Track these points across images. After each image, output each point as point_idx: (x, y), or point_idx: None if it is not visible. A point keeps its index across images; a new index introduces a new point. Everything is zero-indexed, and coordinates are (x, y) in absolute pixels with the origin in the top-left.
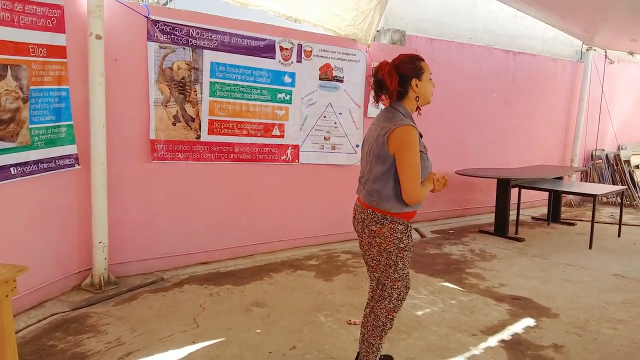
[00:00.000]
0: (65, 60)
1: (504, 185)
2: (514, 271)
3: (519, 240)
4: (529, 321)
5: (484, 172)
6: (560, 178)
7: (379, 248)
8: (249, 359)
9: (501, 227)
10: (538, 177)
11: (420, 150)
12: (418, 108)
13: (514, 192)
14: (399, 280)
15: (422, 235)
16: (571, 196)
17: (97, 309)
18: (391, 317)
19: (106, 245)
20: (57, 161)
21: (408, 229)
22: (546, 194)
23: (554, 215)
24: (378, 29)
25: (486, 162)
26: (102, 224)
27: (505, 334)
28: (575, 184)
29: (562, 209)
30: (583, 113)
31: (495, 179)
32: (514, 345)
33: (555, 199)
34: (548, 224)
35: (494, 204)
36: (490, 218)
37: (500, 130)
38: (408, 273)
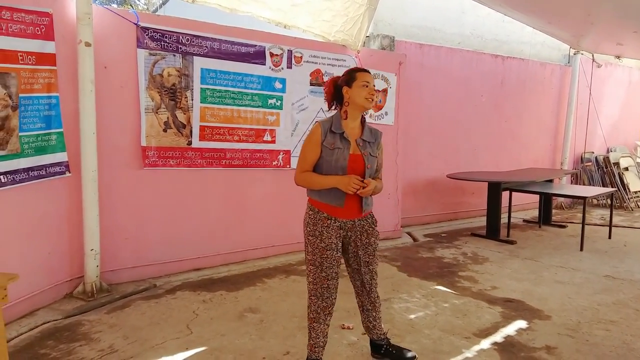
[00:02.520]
0: (54, 67)
1: (494, 189)
2: (506, 274)
3: (511, 242)
4: (521, 323)
5: (474, 175)
6: (551, 181)
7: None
8: None
9: (493, 230)
10: (528, 180)
11: (325, 145)
12: (345, 111)
13: (505, 195)
14: (311, 264)
15: (414, 239)
16: (562, 199)
17: (89, 317)
18: (311, 299)
19: (98, 253)
20: (47, 169)
21: (317, 217)
22: (537, 196)
23: (545, 217)
24: (367, 35)
25: (477, 166)
26: (93, 232)
27: (498, 337)
28: (565, 187)
29: (553, 211)
30: (572, 116)
31: (486, 183)
32: (506, 347)
33: (546, 201)
34: (539, 227)
35: (486, 207)
36: (481, 221)
37: (490, 134)
38: (324, 265)
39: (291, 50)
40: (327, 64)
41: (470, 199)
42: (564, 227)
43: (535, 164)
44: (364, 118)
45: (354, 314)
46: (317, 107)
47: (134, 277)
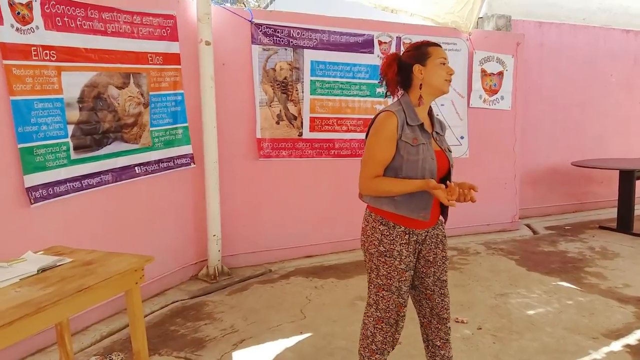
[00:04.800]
0: (179, 66)
1: (627, 177)
2: None
3: None
4: None
5: (603, 163)
6: None
7: (363, 247)
8: (355, 351)
9: (625, 223)
10: None
11: (404, 141)
12: (420, 97)
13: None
14: (384, 289)
15: (534, 232)
16: None
17: (212, 298)
18: (380, 327)
19: (219, 238)
20: (175, 160)
21: (394, 232)
22: None
23: None
24: (481, 16)
25: (606, 153)
26: (215, 219)
27: (631, 338)
28: None
29: None
30: None
31: (617, 170)
32: None
33: None
34: None
35: (616, 198)
36: (611, 213)
37: (622, 118)
38: (402, 289)
39: (400, 37)
40: None
41: (598, 188)
42: None
43: None
44: (431, 107)
45: (467, 308)
46: None
47: (251, 262)
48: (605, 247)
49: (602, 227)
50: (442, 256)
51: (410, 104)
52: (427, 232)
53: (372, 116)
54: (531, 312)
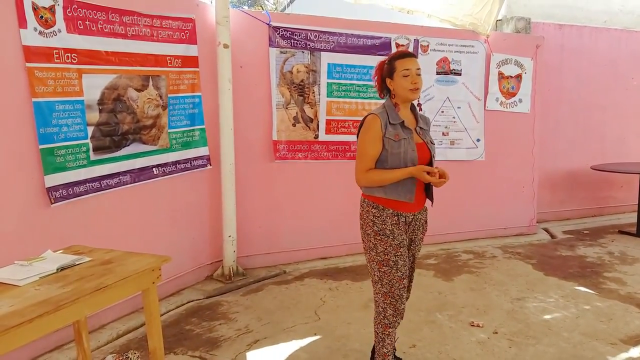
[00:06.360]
0: (197, 69)
1: None
2: None
3: None
4: None
5: (624, 167)
6: None
7: (361, 230)
8: (370, 354)
9: None
10: None
11: (388, 138)
12: (396, 103)
13: None
14: (383, 265)
15: (552, 236)
16: None
17: (227, 298)
18: (388, 301)
19: (235, 239)
20: (192, 162)
21: (384, 214)
22: None
23: None
24: (500, 19)
25: (626, 156)
26: (231, 219)
27: None
28: None
29: None
30: None
31: (638, 175)
32: None
33: None
34: None
35: (636, 202)
36: (632, 218)
37: None
38: (399, 263)
39: (417, 40)
40: (455, 51)
41: (618, 192)
42: None
43: None
44: (413, 104)
45: (483, 312)
46: (444, 97)
47: (266, 263)
48: (625, 252)
49: (621, 232)
50: (421, 237)
51: (392, 106)
52: (414, 215)
53: None
54: (548, 316)
